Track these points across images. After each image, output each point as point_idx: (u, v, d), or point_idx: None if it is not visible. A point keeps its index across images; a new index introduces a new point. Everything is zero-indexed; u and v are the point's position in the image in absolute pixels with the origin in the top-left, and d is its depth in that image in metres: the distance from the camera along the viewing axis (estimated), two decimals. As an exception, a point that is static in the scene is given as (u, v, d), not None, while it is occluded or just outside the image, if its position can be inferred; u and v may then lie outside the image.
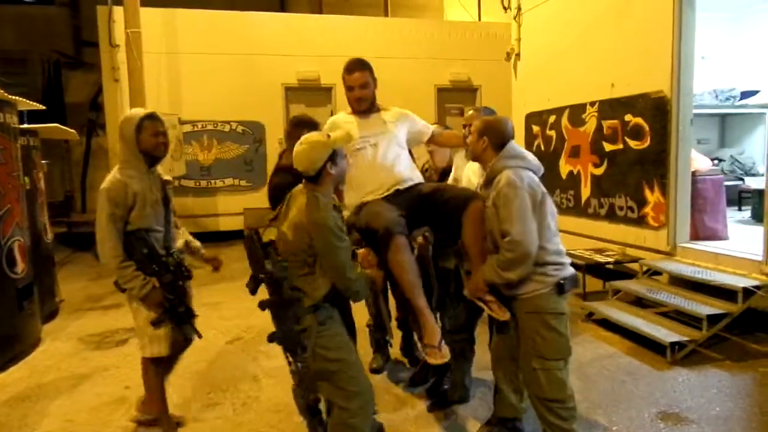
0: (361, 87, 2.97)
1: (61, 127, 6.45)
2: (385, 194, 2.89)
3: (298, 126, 3.12)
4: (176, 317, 2.91)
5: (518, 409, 2.90)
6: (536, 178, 2.59)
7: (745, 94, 7.74)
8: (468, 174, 3.29)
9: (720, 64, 7.73)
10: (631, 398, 3.46)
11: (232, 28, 9.66)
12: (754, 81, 7.60)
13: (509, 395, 2.85)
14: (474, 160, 2.84)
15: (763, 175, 7.80)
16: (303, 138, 2.39)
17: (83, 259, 8.74)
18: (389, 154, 2.93)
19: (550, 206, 2.58)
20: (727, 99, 7.77)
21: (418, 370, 3.73)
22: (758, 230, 5.59)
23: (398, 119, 3.09)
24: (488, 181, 2.63)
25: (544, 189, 2.57)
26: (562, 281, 2.51)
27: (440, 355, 2.53)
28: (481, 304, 2.65)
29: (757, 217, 6.36)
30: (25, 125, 5.71)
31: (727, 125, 8.41)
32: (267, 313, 2.52)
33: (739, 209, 7.35)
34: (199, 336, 3.08)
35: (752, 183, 7.14)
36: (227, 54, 9.56)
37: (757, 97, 7.65)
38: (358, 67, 2.98)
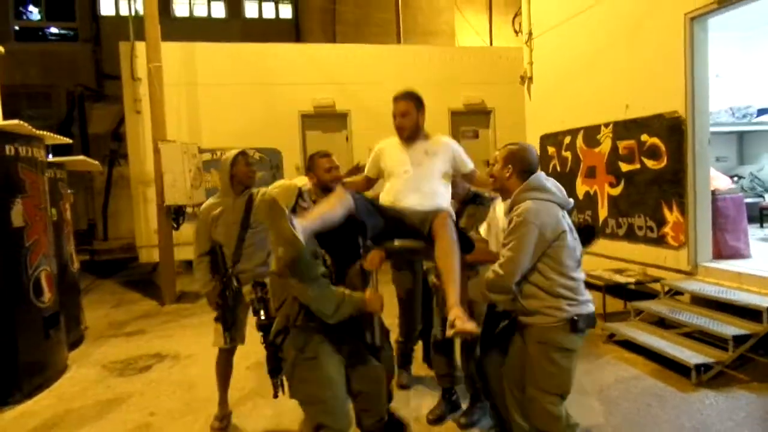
0: (402, 115, 3.12)
1: (87, 159, 6.65)
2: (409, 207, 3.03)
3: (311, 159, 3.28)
4: (223, 320, 3.54)
5: None
6: (559, 213, 2.50)
7: (762, 111, 7.71)
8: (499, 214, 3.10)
9: (735, 82, 7.72)
10: (657, 422, 3.41)
11: (249, 58, 9.92)
12: (771, 98, 7.57)
13: (522, 423, 2.76)
14: (497, 190, 2.79)
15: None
16: (274, 183, 2.90)
17: (105, 287, 8.91)
18: (419, 185, 3.06)
19: (570, 242, 2.49)
20: (744, 116, 7.74)
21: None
22: (782, 248, 5.54)
23: (438, 151, 3.15)
24: (510, 209, 2.60)
25: (566, 225, 2.50)
26: (575, 317, 2.45)
27: (468, 321, 2.47)
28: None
29: (779, 235, 6.29)
30: (52, 158, 5.90)
31: (745, 142, 8.36)
32: None
33: (761, 226, 7.26)
34: (242, 341, 3.71)
35: (773, 201, 7.04)
36: (245, 84, 9.80)
37: (775, 113, 7.62)
38: (402, 96, 3.15)
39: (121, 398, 4.23)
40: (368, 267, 2.68)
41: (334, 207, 2.48)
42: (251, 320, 3.29)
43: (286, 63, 10.05)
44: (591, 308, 2.54)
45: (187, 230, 8.79)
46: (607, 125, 6.26)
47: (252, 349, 3.83)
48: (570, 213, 2.63)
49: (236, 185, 3.57)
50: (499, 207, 3.05)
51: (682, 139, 5.20)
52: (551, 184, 2.59)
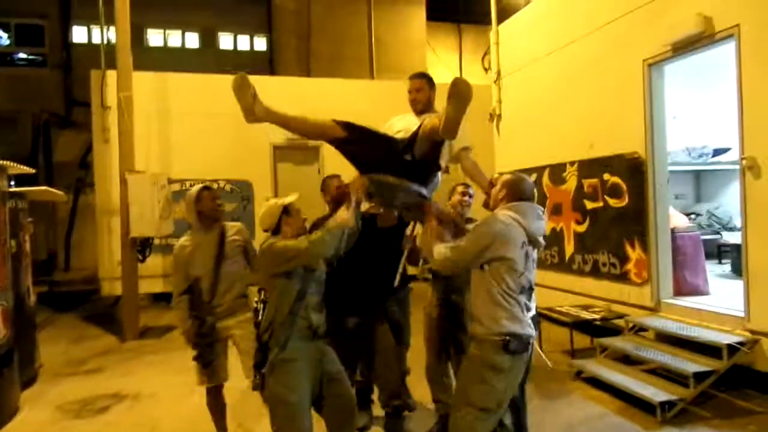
0: (417, 90, 3.48)
1: (50, 189, 6.49)
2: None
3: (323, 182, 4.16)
4: (201, 358, 3.55)
5: None
6: (519, 238, 2.65)
7: (717, 152, 8.07)
8: None
9: (691, 123, 8.08)
10: (624, 461, 3.43)
11: (222, 89, 9.63)
12: (725, 138, 7.93)
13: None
14: (487, 205, 3.00)
15: (739, 229, 8.04)
16: (264, 203, 3.06)
17: (64, 321, 8.58)
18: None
19: (519, 268, 2.64)
20: (700, 156, 8.09)
21: None
22: (738, 284, 5.70)
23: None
24: None
25: (519, 253, 2.64)
26: (508, 337, 2.58)
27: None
28: None
29: (737, 271, 6.49)
30: (13, 188, 5.74)
31: (702, 181, 8.71)
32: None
33: (719, 262, 7.51)
34: (225, 378, 3.72)
35: (730, 237, 7.31)
36: (217, 115, 9.72)
37: (729, 154, 7.97)
38: (417, 75, 3.59)
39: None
40: (351, 191, 3.02)
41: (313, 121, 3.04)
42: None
43: (260, 95, 10.07)
44: (527, 331, 2.66)
45: (153, 262, 8.63)
46: (572, 164, 6.46)
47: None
48: (536, 248, 2.77)
49: (204, 220, 3.59)
50: None
51: (642, 178, 5.39)
52: (532, 214, 2.75)
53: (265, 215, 2.98)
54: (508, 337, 2.58)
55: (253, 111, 2.95)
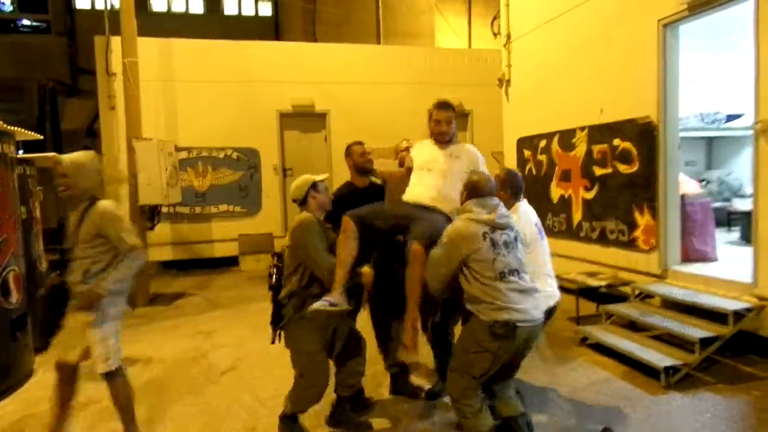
0: (447, 123, 3.55)
1: (58, 155, 6.49)
2: (411, 202, 3.50)
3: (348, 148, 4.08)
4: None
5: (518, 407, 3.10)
6: (477, 231, 2.83)
7: (730, 117, 7.90)
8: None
9: (705, 88, 7.90)
10: (628, 425, 3.47)
11: (228, 56, 9.82)
12: (738, 104, 7.76)
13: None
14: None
15: (750, 196, 7.94)
16: (297, 178, 3.43)
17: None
18: (436, 182, 3.48)
19: (487, 256, 2.80)
20: (713, 122, 7.92)
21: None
22: (747, 251, 5.66)
23: (462, 157, 3.56)
24: None
25: (485, 241, 2.81)
26: (492, 323, 2.74)
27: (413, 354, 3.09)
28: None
29: (746, 239, 6.44)
30: (22, 154, 5.75)
31: (714, 147, 8.56)
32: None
33: (729, 230, 7.44)
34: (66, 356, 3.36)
35: (740, 205, 7.23)
36: (223, 81, 9.71)
37: (741, 120, 7.81)
38: (447, 107, 3.60)
39: (90, 403, 4.13)
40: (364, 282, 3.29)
41: (348, 246, 3.13)
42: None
43: (265, 61, 9.98)
44: (512, 316, 2.75)
45: (161, 230, 8.70)
46: (582, 129, 6.36)
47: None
48: (502, 228, 2.90)
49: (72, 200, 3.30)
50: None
51: (653, 144, 5.30)
52: (484, 206, 2.93)
53: (295, 187, 3.36)
54: (492, 323, 2.75)
55: (345, 306, 3.15)
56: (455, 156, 3.52)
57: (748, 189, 7.99)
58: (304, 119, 10.29)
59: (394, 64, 10.58)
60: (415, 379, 4.14)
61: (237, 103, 9.77)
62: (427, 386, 4.02)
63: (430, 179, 3.48)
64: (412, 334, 3.05)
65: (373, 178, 4.03)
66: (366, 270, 3.25)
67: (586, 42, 6.34)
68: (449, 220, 3.33)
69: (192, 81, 9.56)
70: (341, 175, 4.31)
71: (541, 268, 3.31)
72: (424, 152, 3.63)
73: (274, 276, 3.38)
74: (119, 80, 8.13)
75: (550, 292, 3.33)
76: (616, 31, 5.82)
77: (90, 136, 12.83)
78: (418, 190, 3.50)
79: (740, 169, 8.14)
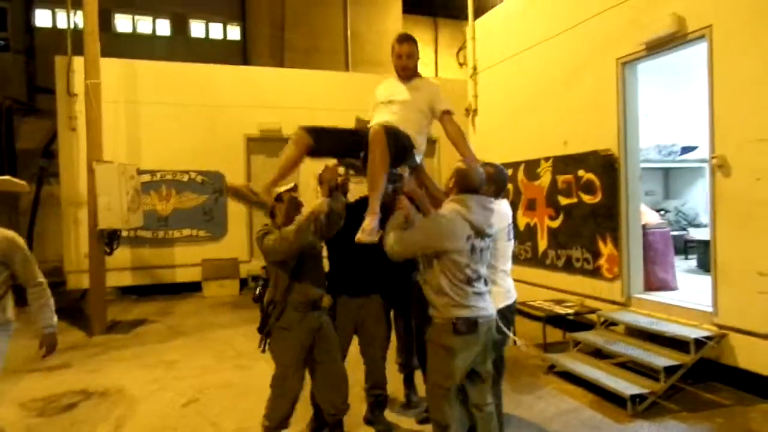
0: (408, 56, 3.40)
1: (13, 179, 6.23)
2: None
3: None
4: None
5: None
6: (463, 230, 2.81)
7: (685, 149, 8.28)
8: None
9: (661, 121, 8.26)
10: (596, 454, 3.48)
11: (195, 79, 9.71)
12: (692, 137, 8.15)
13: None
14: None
15: (705, 225, 8.29)
16: None
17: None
18: (400, 112, 3.34)
19: (462, 260, 2.81)
20: (669, 154, 8.28)
21: None
22: (705, 279, 5.87)
23: (423, 89, 3.43)
24: None
25: (464, 245, 2.80)
26: (455, 320, 2.78)
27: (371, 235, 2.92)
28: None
29: (703, 267, 6.70)
30: (-27, 177, 5.48)
31: (670, 178, 8.92)
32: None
33: (686, 258, 7.72)
34: None
35: (696, 234, 7.51)
36: (188, 104, 9.58)
37: (696, 152, 8.20)
38: (407, 39, 3.44)
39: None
40: (323, 180, 3.33)
41: (290, 150, 3.08)
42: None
43: (232, 85, 9.92)
44: (476, 313, 2.82)
45: (121, 255, 8.41)
46: (547, 159, 6.52)
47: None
48: (483, 239, 2.90)
49: None
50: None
51: (615, 175, 5.48)
52: (476, 205, 2.88)
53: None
54: (455, 320, 2.79)
55: (265, 200, 3.17)
56: (416, 88, 3.41)
57: (704, 218, 8.36)
58: (272, 144, 10.19)
59: (363, 91, 10.50)
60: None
61: (202, 127, 9.64)
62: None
63: (391, 108, 3.35)
64: (371, 222, 2.92)
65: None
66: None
67: (550, 76, 6.55)
68: (409, 141, 3.25)
69: (156, 103, 9.40)
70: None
71: (501, 265, 3.36)
72: (385, 88, 3.51)
73: (258, 289, 3.45)
74: (80, 101, 7.92)
75: (506, 289, 3.37)
76: (580, 68, 6.04)
77: (46, 157, 12.37)
78: (379, 118, 3.35)
79: (695, 198, 8.50)
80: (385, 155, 2.97)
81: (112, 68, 8.55)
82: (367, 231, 2.90)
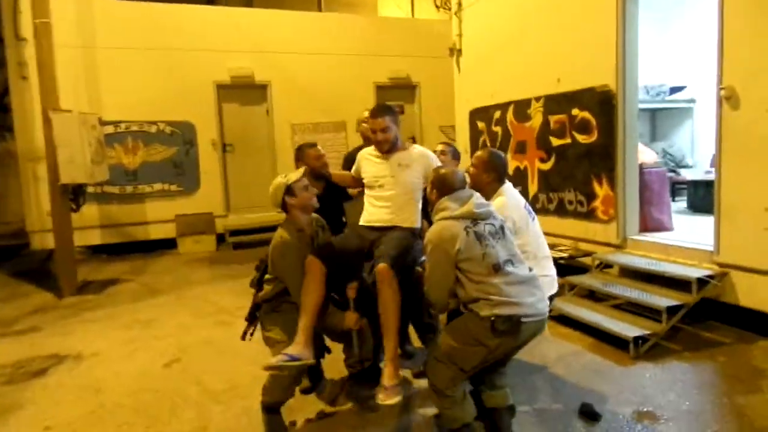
0: (383, 131, 3.25)
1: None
2: (367, 225, 3.31)
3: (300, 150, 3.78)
4: None
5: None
6: (457, 229, 2.58)
7: (674, 90, 8.06)
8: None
9: (649, 61, 7.98)
10: (604, 398, 3.35)
11: (158, 20, 8.98)
12: (681, 77, 7.92)
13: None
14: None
15: (692, 167, 8.19)
16: (274, 181, 3.09)
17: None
18: (388, 200, 3.29)
19: (475, 250, 2.55)
20: (658, 94, 8.04)
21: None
22: (698, 219, 5.79)
23: (411, 165, 3.32)
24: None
25: (469, 237, 2.56)
26: (492, 317, 2.48)
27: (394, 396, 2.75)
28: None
29: (693, 207, 6.60)
30: None
31: (657, 119, 8.73)
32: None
33: (673, 200, 7.62)
34: None
35: (687, 174, 7.39)
36: (153, 49, 8.89)
37: (684, 92, 7.99)
38: (380, 112, 3.27)
39: (10, 410, 3.60)
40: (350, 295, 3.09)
41: (313, 290, 2.86)
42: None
43: (200, 27, 9.22)
44: (514, 310, 2.50)
45: (88, 212, 7.93)
46: (537, 99, 6.21)
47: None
48: (483, 219, 2.66)
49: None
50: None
51: (612, 112, 5.21)
52: (457, 200, 2.69)
53: (270, 195, 3.07)
54: (493, 318, 2.48)
55: (311, 359, 2.90)
56: (404, 165, 3.29)
57: (690, 160, 8.25)
58: (244, 91, 9.65)
59: (339, 34, 10.08)
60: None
61: (169, 73, 8.99)
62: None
63: (381, 197, 3.28)
64: (393, 371, 2.78)
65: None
66: (350, 313, 3.06)
67: (540, 10, 6.15)
68: (413, 232, 3.25)
69: (117, 48, 8.69)
70: (284, 152, 4.02)
71: (538, 252, 3.09)
72: (369, 168, 3.38)
73: (259, 274, 3.17)
74: (31, 45, 7.22)
75: (551, 278, 3.12)
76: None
77: (0, 111, 11.54)
78: (371, 212, 3.31)
79: (682, 139, 8.35)
80: (397, 294, 2.85)
81: (64, 7, 7.82)
82: (388, 390, 2.75)
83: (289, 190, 3.01)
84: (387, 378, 2.77)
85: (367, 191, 3.39)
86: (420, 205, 3.34)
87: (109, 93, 8.65)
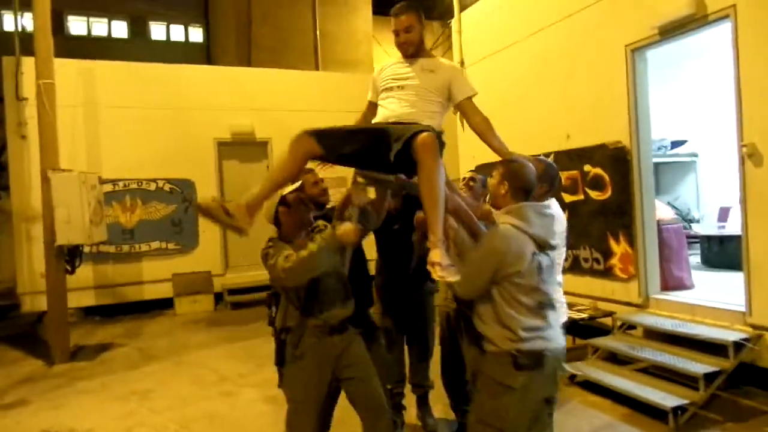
0: (405, 31, 2.78)
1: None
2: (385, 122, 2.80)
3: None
4: None
5: None
6: (527, 247, 2.33)
7: (675, 144, 8.11)
8: None
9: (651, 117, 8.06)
10: (650, 479, 3.08)
11: (158, 80, 9.02)
12: (682, 131, 7.99)
13: None
14: (492, 205, 2.59)
15: (698, 221, 8.14)
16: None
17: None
18: (410, 98, 2.78)
19: (532, 281, 2.33)
20: (659, 148, 8.09)
21: None
22: (716, 276, 5.66)
23: (437, 71, 2.80)
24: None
25: (532, 264, 2.31)
26: (515, 352, 2.28)
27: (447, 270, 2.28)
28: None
29: (707, 263, 6.46)
30: None
31: (660, 173, 8.74)
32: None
33: (684, 255, 7.50)
34: None
35: (699, 229, 7.31)
36: (152, 108, 8.88)
37: (685, 146, 8.04)
38: (403, 9, 2.78)
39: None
40: (353, 200, 2.80)
41: (288, 165, 2.50)
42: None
43: (200, 86, 9.26)
44: (540, 345, 2.31)
45: (83, 273, 7.64)
46: (547, 155, 6.15)
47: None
48: (546, 249, 2.40)
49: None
50: None
51: (626, 169, 5.15)
52: (533, 214, 2.39)
53: (265, 209, 2.73)
54: (515, 353, 2.29)
55: (241, 226, 2.38)
56: (428, 69, 2.81)
57: (696, 213, 8.20)
58: (244, 148, 9.60)
59: (337, 91, 10.16)
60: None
61: (169, 131, 8.95)
62: None
63: (401, 96, 2.79)
64: (443, 251, 2.30)
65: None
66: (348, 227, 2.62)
67: (547, 68, 6.21)
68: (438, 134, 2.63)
69: (117, 107, 8.66)
70: None
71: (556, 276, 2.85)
72: (389, 70, 2.90)
73: (273, 309, 2.91)
74: (31, 106, 7.17)
75: (561, 303, 2.90)
76: (580, 57, 5.72)
77: (-5, 170, 11.40)
78: (390, 108, 2.78)
79: (686, 193, 8.33)
80: (440, 164, 2.41)
81: (67, 69, 7.80)
82: (444, 266, 2.25)
83: (283, 200, 2.75)
84: (438, 256, 2.31)
85: (384, 94, 2.87)
86: (441, 120, 2.83)
87: (109, 151, 8.56)
